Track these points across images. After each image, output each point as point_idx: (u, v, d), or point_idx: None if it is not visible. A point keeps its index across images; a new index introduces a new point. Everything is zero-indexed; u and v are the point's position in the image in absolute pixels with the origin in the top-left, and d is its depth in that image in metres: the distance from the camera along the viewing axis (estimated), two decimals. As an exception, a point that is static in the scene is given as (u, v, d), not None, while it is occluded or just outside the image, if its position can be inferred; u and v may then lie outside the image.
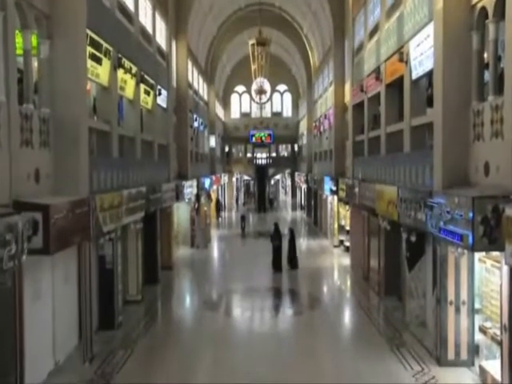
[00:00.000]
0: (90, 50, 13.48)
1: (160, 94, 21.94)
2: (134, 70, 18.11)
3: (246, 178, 74.33)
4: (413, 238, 14.34)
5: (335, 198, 31.13)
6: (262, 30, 29.16)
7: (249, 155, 62.14)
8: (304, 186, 52.65)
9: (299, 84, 56.60)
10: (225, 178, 58.79)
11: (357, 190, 22.44)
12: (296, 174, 60.17)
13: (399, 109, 18.01)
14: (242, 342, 15.41)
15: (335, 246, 30.93)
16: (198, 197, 33.59)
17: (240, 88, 59.98)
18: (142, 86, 19.63)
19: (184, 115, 29.77)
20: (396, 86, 18.07)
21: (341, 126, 30.05)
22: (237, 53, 51.07)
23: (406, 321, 16.07)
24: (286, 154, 63.73)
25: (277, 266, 24.38)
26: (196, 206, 33.23)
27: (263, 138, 59.71)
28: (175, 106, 28.26)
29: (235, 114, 60.88)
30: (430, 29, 13.58)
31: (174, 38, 27.91)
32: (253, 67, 26.95)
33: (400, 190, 15.59)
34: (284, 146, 63.43)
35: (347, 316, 18.52)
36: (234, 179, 69.80)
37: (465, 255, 12.26)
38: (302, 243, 33.76)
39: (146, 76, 19.69)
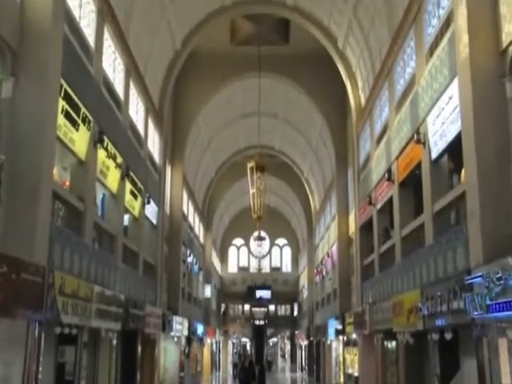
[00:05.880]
0: (63, 104, 11.72)
1: (149, 202, 19.98)
2: (119, 160, 16.30)
3: (243, 340, 70.05)
4: (448, 336, 11.53)
5: (341, 342, 28.15)
6: (260, 154, 27.91)
7: (246, 313, 58.80)
8: (305, 344, 49.05)
9: (299, 238, 55.05)
10: (220, 338, 54.93)
11: (367, 316, 19.76)
12: (296, 333, 56.55)
13: (414, 208, 16.20)
14: None
15: (342, 397, 27.21)
16: (189, 340, 30.49)
17: (238, 241, 58.30)
18: (129, 186, 17.74)
19: (177, 247, 27.80)
20: (410, 184, 16.45)
21: (346, 261, 27.92)
22: (235, 204, 50.19)
23: None
24: (285, 314, 60.41)
25: None
26: (187, 350, 29.98)
27: (262, 295, 56.57)
28: (168, 234, 26.31)
29: (233, 268, 58.47)
30: (452, 89, 12.06)
31: (169, 162, 26.75)
32: (251, 191, 25.40)
33: (424, 290, 13.14)
34: (283, 307, 60.47)
35: None
36: (230, 342, 65.60)
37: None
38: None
39: (133, 175, 17.90)
